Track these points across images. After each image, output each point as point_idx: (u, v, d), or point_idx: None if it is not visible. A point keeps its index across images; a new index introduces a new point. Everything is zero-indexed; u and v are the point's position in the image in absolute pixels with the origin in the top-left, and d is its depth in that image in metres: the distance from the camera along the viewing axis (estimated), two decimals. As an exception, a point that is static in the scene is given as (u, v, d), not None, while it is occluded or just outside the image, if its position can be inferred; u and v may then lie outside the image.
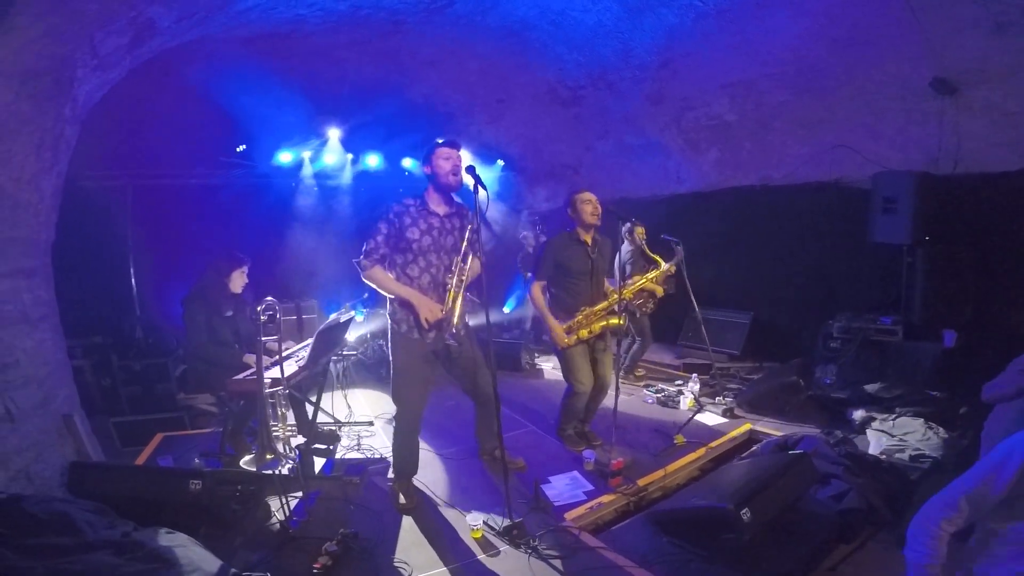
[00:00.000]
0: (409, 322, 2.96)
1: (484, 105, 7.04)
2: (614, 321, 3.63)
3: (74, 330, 3.97)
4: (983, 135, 4.24)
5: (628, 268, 5.07)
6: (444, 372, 3.23)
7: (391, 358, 3.05)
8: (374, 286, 2.97)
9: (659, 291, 4.49)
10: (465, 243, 2.99)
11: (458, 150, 2.96)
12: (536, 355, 6.55)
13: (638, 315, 5.27)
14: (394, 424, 3.10)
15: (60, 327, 3.52)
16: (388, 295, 2.98)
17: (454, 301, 2.91)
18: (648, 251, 4.32)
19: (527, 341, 6.94)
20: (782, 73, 4.92)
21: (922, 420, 3.72)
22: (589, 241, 3.66)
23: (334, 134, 6.70)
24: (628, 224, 5.13)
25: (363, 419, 4.49)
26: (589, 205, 3.59)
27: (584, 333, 3.61)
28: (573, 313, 3.62)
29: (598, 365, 3.75)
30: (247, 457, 2.71)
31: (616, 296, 3.59)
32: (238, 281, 3.69)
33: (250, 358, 3.53)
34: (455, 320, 2.87)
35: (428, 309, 2.87)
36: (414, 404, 3.04)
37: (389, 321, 3.04)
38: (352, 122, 6.66)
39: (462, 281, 2.94)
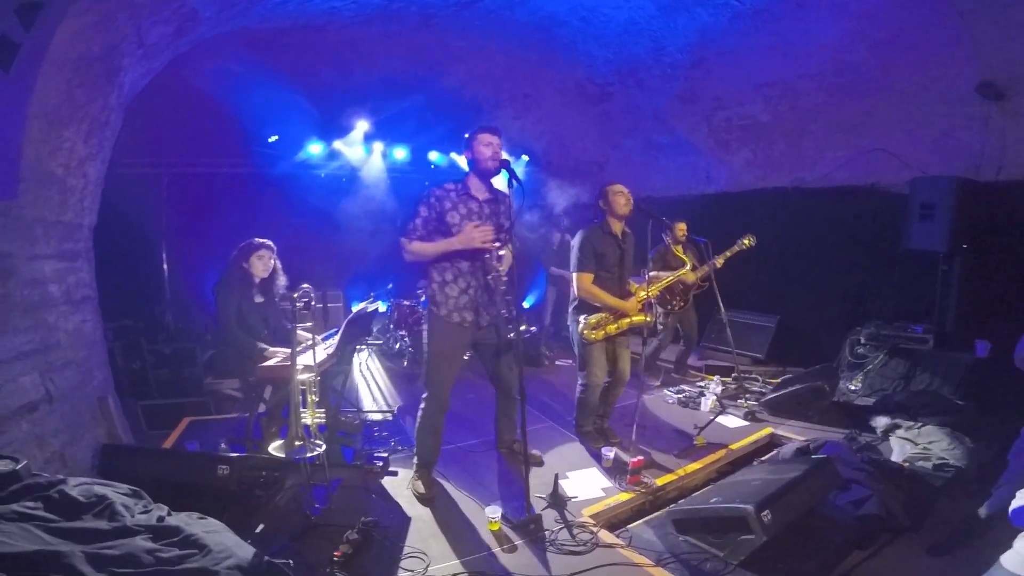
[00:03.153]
0: (448, 306, 3.00)
1: (510, 100, 7.04)
2: (639, 319, 3.64)
3: (106, 313, 4.09)
4: (1030, 142, 4.11)
5: (650, 264, 5.09)
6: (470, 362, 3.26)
7: (426, 340, 3.09)
8: (417, 258, 2.99)
9: (690, 276, 4.74)
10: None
11: (498, 136, 2.99)
12: (554, 351, 6.54)
13: (669, 313, 5.28)
14: (421, 407, 3.13)
15: (99, 310, 3.63)
16: (431, 257, 2.98)
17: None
18: (679, 252, 4.68)
19: (546, 337, 6.94)
20: (819, 74, 4.83)
21: (948, 429, 3.65)
22: (619, 233, 3.68)
23: (363, 126, 6.78)
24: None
25: (385, 409, 4.56)
26: (622, 196, 3.61)
27: (612, 328, 3.63)
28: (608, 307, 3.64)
29: (617, 359, 3.77)
30: (276, 443, 2.77)
31: (643, 293, 3.62)
32: (258, 266, 3.66)
33: (270, 351, 3.59)
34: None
35: (472, 236, 2.83)
36: (444, 387, 3.08)
37: (428, 304, 3.08)
38: (381, 115, 6.74)
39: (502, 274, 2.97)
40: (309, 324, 2.98)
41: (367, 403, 4.60)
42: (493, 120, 7.31)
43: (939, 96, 4.36)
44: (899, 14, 3.95)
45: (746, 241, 4.97)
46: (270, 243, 3.75)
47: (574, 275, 3.65)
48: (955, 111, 4.36)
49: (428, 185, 3.01)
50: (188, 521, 1.88)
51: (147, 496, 2.01)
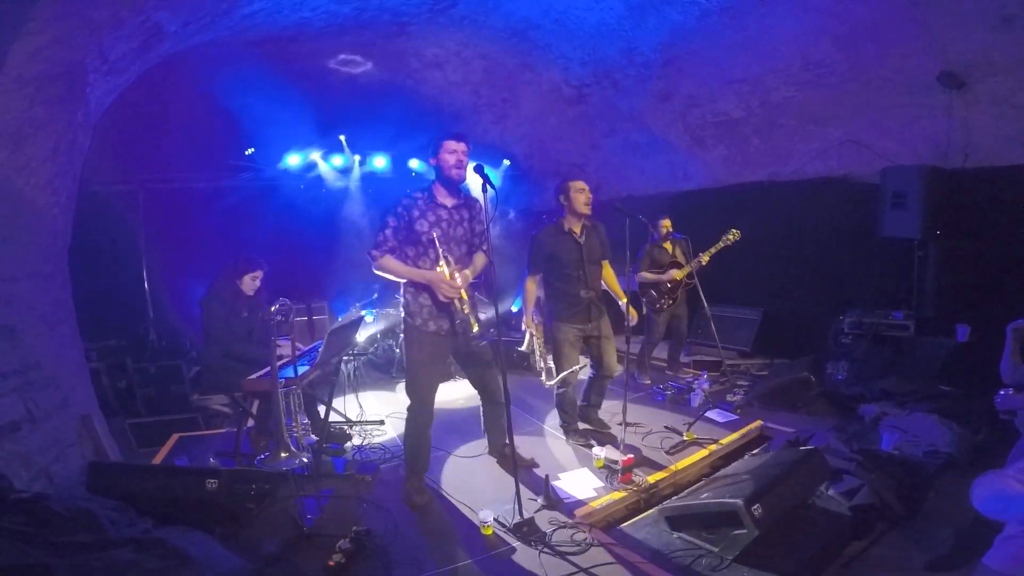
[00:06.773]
0: (423, 315, 2.99)
1: (489, 105, 7.05)
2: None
3: (89, 333, 4.02)
4: (992, 128, 4.21)
5: (639, 264, 5.16)
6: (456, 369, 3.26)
7: (405, 351, 3.09)
8: (387, 275, 3.00)
9: (678, 275, 5.12)
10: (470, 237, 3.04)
11: (464, 142, 2.97)
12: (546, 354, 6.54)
13: (659, 312, 5.30)
14: (407, 417, 3.12)
15: (77, 329, 3.58)
16: (401, 281, 3.01)
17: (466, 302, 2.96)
18: (668, 248, 5.16)
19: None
20: (787, 69, 4.90)
21: (936, 415, 3.68)
22: (577, 230, 3.65)
23: (341, 136, 6.74)
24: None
25: (374, 418, 4.52)
26: (583, 194, 3.58)
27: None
28: (574, 303, 3.65)
29: (602, 353, 3.79)
30: (262, 456, 2.74)
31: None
32: (249, 284, 3.75)
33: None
34: (473, 324, 2.95)
35: (445, 285, 2.88)
36: (427, 396, 3.07)
37: (403, 314, 3.06)
38: (359, 124, 6.70)
39: (465, 279, 2.98)
40: (288, 339, 2.98)
41: (357, 413, 4.55)
42: (475, 125, 7.33)
43: (903, 87, 4.44)
44: (857, 7, 4.03)
45: (731, 236, 5.03)
46: (264, 263, 3.80)
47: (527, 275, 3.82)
48: (919, 101, 4.44)
49: (395, 196, 3.00)
50: (173, 534, 1.86)
51: (132, 511, 1.98)
